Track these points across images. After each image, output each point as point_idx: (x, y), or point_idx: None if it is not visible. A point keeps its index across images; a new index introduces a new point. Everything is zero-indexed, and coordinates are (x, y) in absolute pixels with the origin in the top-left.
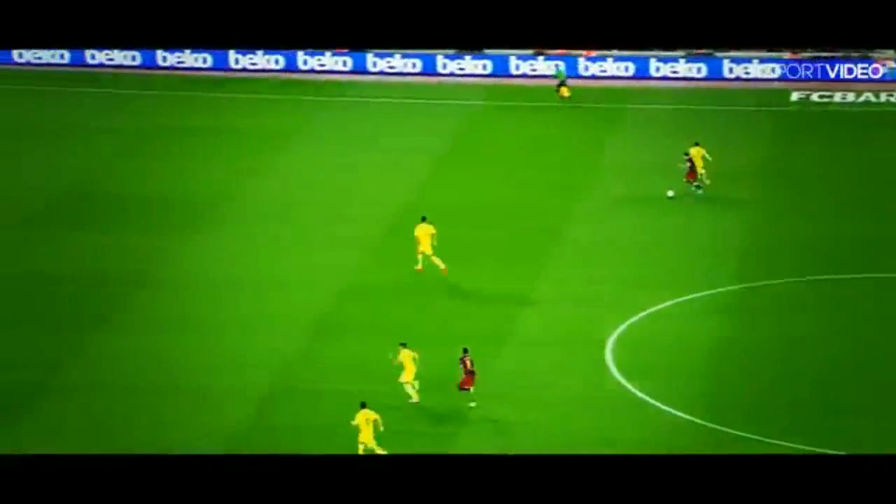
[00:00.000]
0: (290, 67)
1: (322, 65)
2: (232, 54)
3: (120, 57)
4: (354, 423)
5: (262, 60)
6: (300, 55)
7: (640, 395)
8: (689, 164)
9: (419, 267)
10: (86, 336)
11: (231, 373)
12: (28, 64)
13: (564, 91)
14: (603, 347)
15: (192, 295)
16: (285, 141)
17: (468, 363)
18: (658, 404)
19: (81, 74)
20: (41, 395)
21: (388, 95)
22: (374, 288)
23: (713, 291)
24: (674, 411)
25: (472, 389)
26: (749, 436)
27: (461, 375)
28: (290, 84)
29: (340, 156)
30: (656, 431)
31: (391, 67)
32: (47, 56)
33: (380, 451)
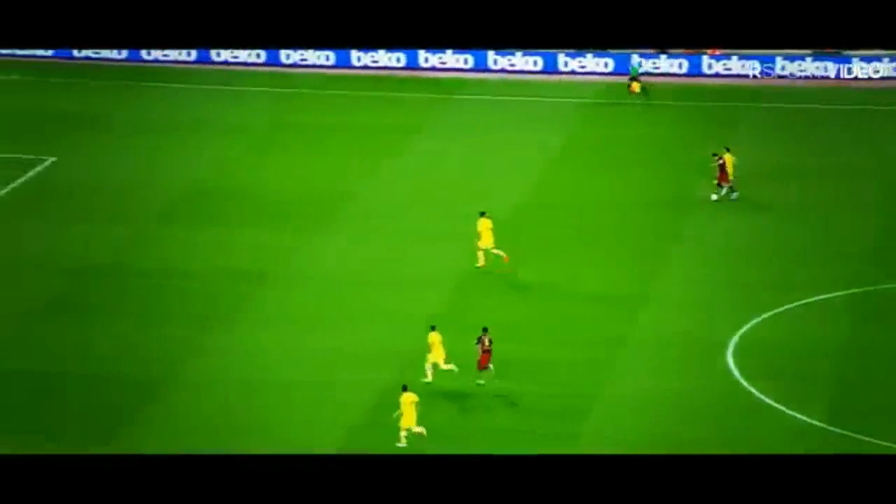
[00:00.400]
0: (412, 65)
1: (443, 62)
2: (354, 53)
3: (244, 55)
4: (400, 410)
5: (385, 58)
6: (421, 53)
7: (761, 397)
8: (720, 167)
9: (481, 263)
10: (212, 332)
11: (351, 369)
12: (156, 61)
13: (635, 86)
14: (724, 349)
15: (315, 291)
16: (406, 139)
17: (486, 342)
18: (779, 406)
19: (208, 71)
20: (170, 389)
21: (509, 93)
22: (492, 286)
23: (833, 294)
24: (795, 414)
25: (490, 367)
26: (872, 440)
27: (478, 354)
28: (411, 82)
29: (459, 153)
30: (777, 434)
31: (512, 65)
32: (174, 54)
33: (418, 430)
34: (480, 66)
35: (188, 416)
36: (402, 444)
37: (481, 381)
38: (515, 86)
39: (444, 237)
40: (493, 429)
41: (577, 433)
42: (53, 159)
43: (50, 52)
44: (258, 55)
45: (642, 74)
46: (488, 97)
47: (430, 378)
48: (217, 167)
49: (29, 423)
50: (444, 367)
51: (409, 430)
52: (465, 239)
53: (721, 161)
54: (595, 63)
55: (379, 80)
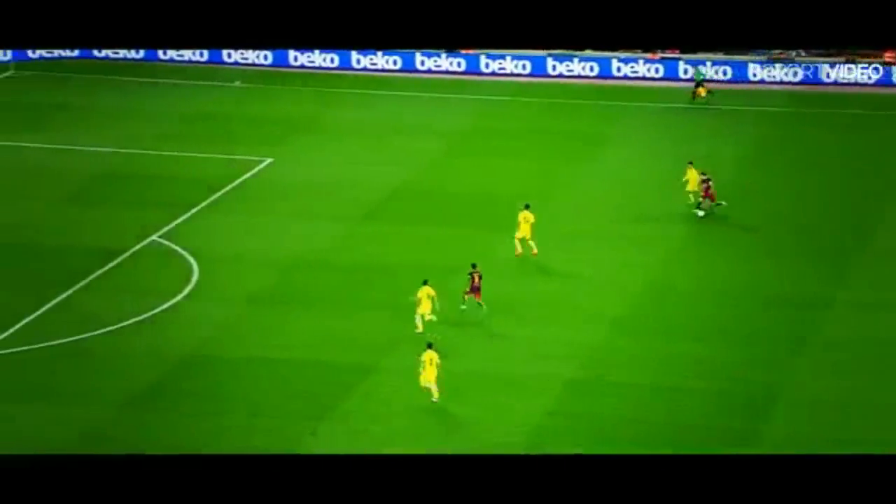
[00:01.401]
0: (605, 74)
1: (635, 71)
2: (549, 62)
3: (446, 63)
4: (421, 358)
5: (578, 67)
6: (614, 62)
7: None
8: (705, 186)
9: (518, 251)
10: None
11: (534, 363)
12: (364, 70)
13: (702, 91)
14: None
15: (508, 285)
16: (597, 144)
17: (476, 278)
18: None
19: (410, 79)
20: (372, 378)
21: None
22: (674, 287)
23: None
24: None
25: (480, 301)
26: None
27: (467, 286)
28: (603, 90)
29: (642, 160)
30: None
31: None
32: (381, 62)
33: (435, 392)
34: (671, 76)
35: (390, 404)
36: (434, 399)
37: (463, 307)
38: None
39: (630, 238)
40: (677, 425)
41: (759, 431)
42: (271, 160)
43: (269, 60)
44: (458, 63)
45: (707, 81)
46: (674, 105)
47: (420, 329)
48: (418, 169)
49: (256, 408)
50: (428, 317)
51: (427, 386)
52: (649, 241)
53: (707, 178)
54: (784, 73)
55: (571, 89)
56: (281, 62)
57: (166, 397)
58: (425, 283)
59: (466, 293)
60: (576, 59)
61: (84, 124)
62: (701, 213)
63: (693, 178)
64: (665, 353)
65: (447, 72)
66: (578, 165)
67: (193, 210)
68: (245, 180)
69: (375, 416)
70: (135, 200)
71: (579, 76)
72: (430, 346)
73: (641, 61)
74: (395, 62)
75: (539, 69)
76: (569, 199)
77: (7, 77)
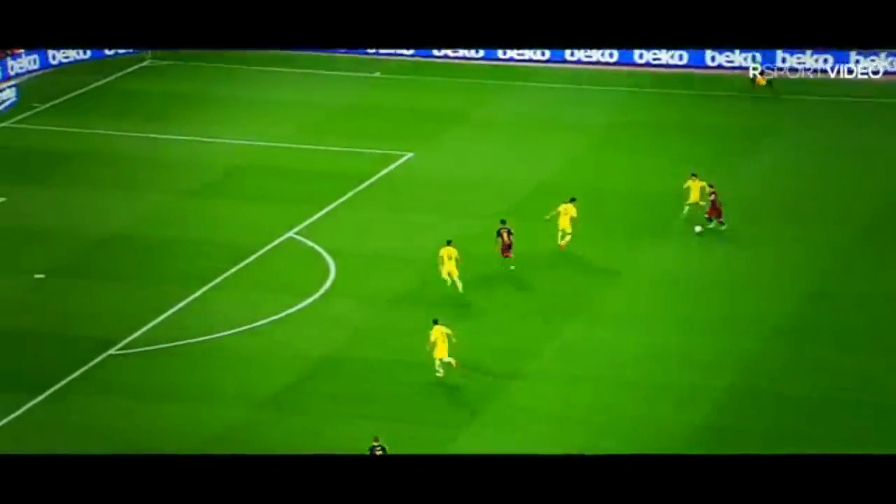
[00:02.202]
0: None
1: (801, 62)
2: (708, 53)
3: (597, 54)
4: (432, 339)
5: (740, 58)
6: (778, 53)
7: None
8: (712, 199)
9: (562, 243)
10: (555, 326)
11: (691, 370)
12: (510, 60)
13: (761, 80)
14: None
15: (654, 291)
16: (754, 140)
17: (506, 235)
18: None
19: (557, 70)
20: (515, 383)
21: (873, 95)
22: (841, 294)
23: None
24: None
25: (511, 256)
26: None
27: (498, 245)
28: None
29: (808, 157)
30: None
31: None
32: (529, 53)
33: (449, 360)
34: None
35: (532, 410)
36: (440, 374)
37: (512, 267)
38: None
39: (792, 241)
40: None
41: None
42: (411, 154)
43: (411, 52)
44: (611, 55)
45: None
46: (847, 99)
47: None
48: (562, 165)
49: (395, 412)
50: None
51: (440, 360)
52: (816, 245)
53: (713, 191)
54: None
55: (727, 81)
56: (423, 52)
57: (303, 398)
58: (436, 322)
59: (502, 252)
60: (737, 51)
61: (221, 115)
62: (699, 228)
63: (695, 189)
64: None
65: (597, 63)
66: (736, 161)
67: (332, 206)
68: (385, 175)
69: (517, 423)
70: (272, 195)
71: (739, 67)
72: (436, 322)
73: (809, 52)
74: (542, 53)
75: (697, 60)
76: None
77: (144, 67)
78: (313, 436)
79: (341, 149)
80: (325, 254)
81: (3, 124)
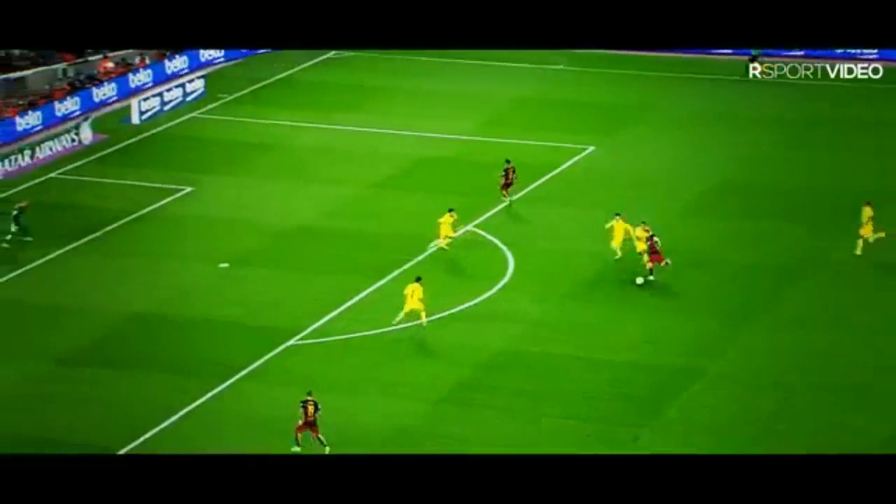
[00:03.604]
0: None
1: None
2: None
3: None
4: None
5: None
6: None
7: None
8: (650, 244)
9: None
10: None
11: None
12: (699, 52)
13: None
14: None
15: (840, 292)
16: None
17: (510, 173)
18: None
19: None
20: (699, 383)
21: None
22: None
23: None
24: None
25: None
26: None
27: (501, 181)
28: None
29: None
30: None
31: None
32: None
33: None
34: None
35: (716, 411)
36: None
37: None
38: None
39: None
40: None
41: None
42: (592, 148)
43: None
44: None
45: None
46: None
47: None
48: (747, 162)
49: (573, 409)
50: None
51: (410, 313)
52: None
53: (651, 236)
54: None
55: None
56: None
57: (481, 393)
58: (418, 280)
59: (503, 188)
60: None
61: (403, 107)
62: (640, 280)
63: (619, 232)
64: None
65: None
66: None
67: (512, 199)
68: (566, 169)
69: (700, 425)
70: (453, 188)
71: None
72: (418, 279)
73: None
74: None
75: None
76: None
77: (328, 58)
78: (493, 431)
79: (522, 141)
80: (503, 247)
81: (190, 115)
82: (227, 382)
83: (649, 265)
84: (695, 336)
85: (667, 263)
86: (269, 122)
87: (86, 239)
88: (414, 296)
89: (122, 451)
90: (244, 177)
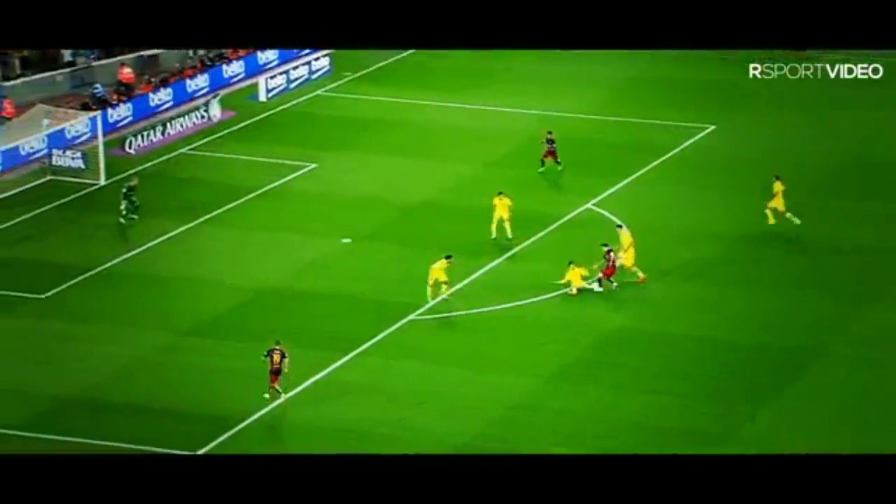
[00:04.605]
0: None
1: None
2: None
3: None
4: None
5: None
6: None
7: None
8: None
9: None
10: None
11: None
12: None
13: None
14: None
15: None
16: None
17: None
18: None
19: None
20: (814, 362)
21: None
22: None
23: None
24: None
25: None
26: None
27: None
28: None
29: None
30: None
31: None
32: None
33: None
34: None
35: (832, 391)
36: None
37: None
38: None
39: None
40: None
41: None
42: (713, 127)
43: None
44: None
45: None
46: None
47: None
48: (862, 143)
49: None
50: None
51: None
52: None
53: (609, 250)
54: None
55: None
56: None
57: (596, 370)
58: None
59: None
60: None
61: (522, 87)
62: (599, 287)
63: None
64: None
65: None
66: None
67: (631, 178)
68: (686, 148)
69: (816, 408)
70: (572, 166)
71: None
72: (448, 257)
73: None
74: None
75: None
76: None
77: None
78: (612, 408)
79: (643, 120)
80: (622, 225)
81: (316, 92)
82: (349, 356)
83: (601, 276)
84: (812, 314)
85: (615, 285)
86: (393, 100)
87: (213, 213)
88: (438, 275)
89: (241, 425)
90: (368, 154)
